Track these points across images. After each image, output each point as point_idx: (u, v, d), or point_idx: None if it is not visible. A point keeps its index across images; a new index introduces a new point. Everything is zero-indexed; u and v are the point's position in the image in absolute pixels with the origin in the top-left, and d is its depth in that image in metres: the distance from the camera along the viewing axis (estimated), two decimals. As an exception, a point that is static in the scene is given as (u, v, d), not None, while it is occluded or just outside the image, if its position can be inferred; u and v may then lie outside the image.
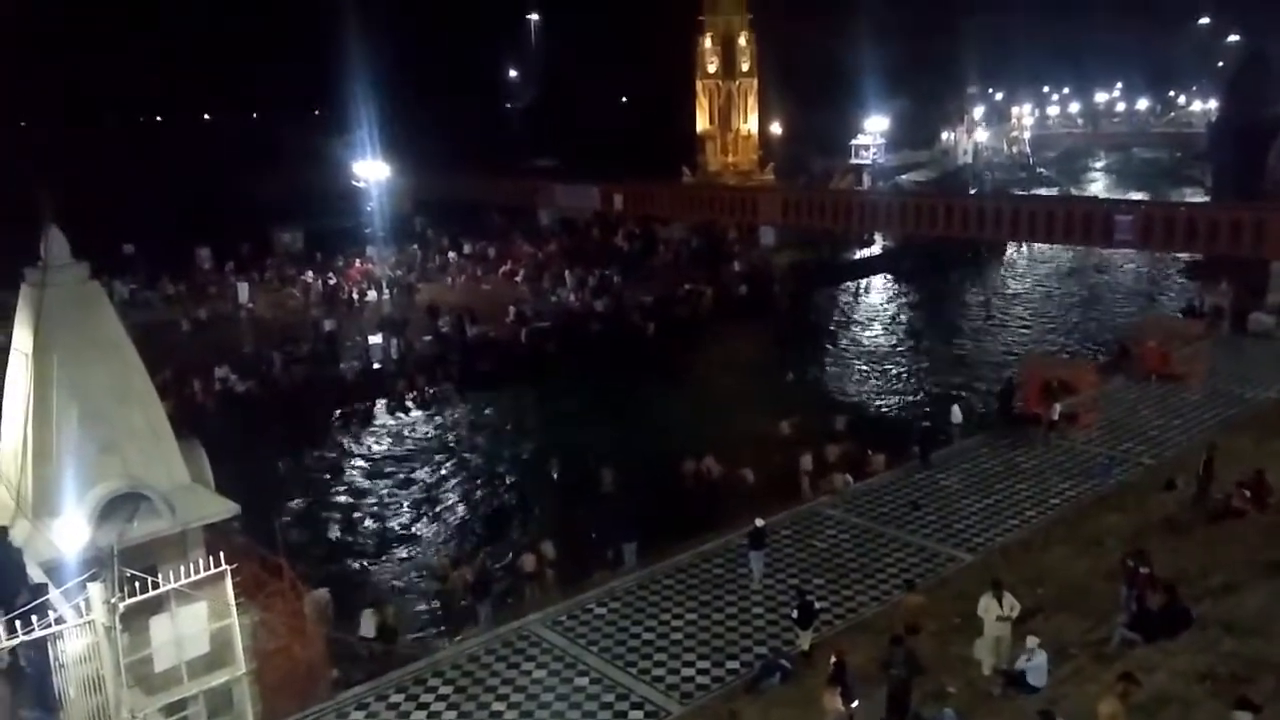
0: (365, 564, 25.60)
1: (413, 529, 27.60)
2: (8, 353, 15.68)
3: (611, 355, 40.80)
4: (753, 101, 71.05)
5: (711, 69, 70.09)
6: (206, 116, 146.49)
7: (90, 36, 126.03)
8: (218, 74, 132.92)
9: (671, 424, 32.69)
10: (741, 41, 69.38)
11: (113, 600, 9.64)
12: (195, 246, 55.53)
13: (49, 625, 9.89)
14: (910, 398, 37.96)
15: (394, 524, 27.89)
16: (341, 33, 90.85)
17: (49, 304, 15.00)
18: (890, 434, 30.37)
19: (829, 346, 45.39)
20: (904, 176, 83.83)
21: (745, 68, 70.10)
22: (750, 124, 71.45)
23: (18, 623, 9.77)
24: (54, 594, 11.24)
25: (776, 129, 79.70)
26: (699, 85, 71.03)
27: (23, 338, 15.36)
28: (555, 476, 29.42)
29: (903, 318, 51.29)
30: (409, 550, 26.31)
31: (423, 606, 22.96)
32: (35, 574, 12.49)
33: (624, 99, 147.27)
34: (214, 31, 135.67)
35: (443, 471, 31.45)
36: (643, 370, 38.82)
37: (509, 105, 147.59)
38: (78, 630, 10.11)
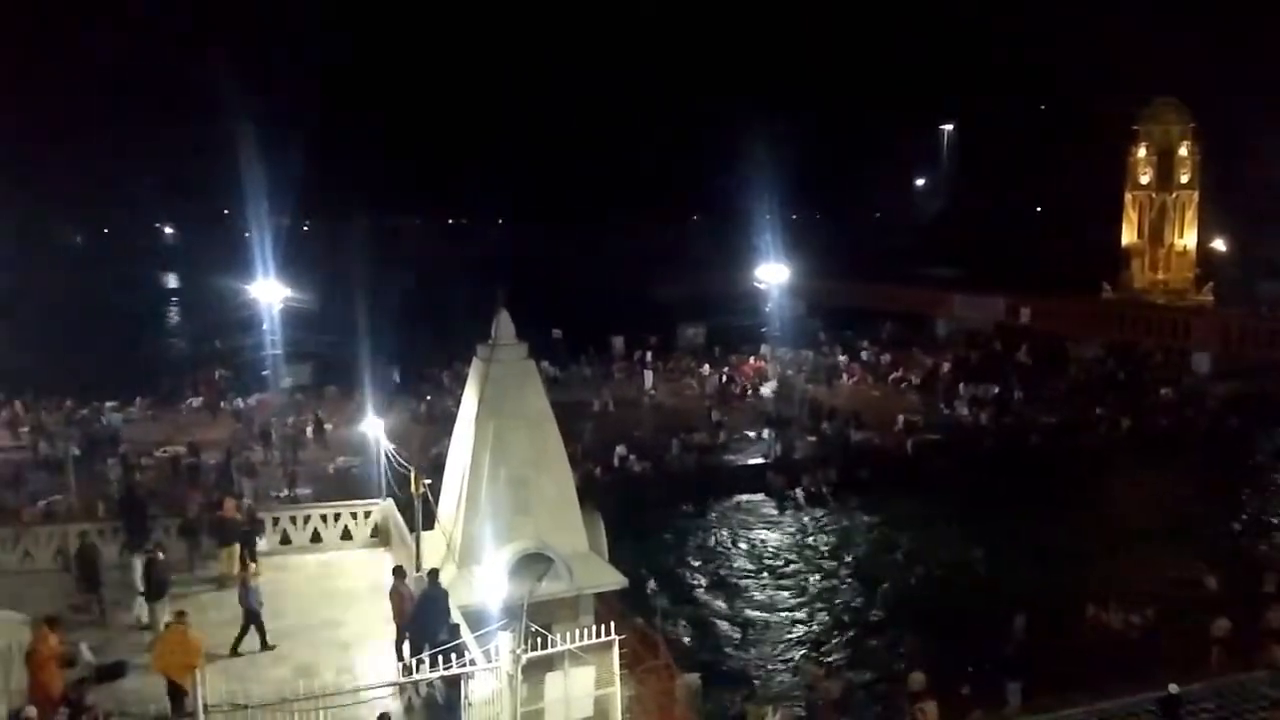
0: (733, 654, 25.79)
1: (782, 627, 27.40)
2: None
3: (1005, 478, 38.19)
4: (1191, 215, 64.59)
5: (1144, 180, 64.87)
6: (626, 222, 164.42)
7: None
8: (646, 188, 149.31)
9: (1067, 560, 29.76)
10: (1182, 151, 63.65)
11: (518, 651, 10.60)
12: (611, 335, 60.84)
13: (464, 665, 11.07)
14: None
15: (764, 619, 27.86)
16: (754, 148, 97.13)
17: (493, 376, 17.14)
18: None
19: (1273, 493, 39.08)
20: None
21: (1185, 179, 64.09)
22: (1187, 239, 64.90)
23: (440, 658, 11.07)
24: (467, 636, 12.58)
25: (1219, 246, 71.59)
26: (1128, 197, 65.98)
27: (469, 404, 17.64)
28: (934, 598, 27.91)
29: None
30: (776, 647, 26.13)
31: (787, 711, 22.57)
32: (455, 616, 14.08)
33: (1037, 209, 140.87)
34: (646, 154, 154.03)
35: (816, 573, 31.04)
36: (1039, 497, 35.88)
37: (913, 214, 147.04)
38: (485, 674, 11.22)
